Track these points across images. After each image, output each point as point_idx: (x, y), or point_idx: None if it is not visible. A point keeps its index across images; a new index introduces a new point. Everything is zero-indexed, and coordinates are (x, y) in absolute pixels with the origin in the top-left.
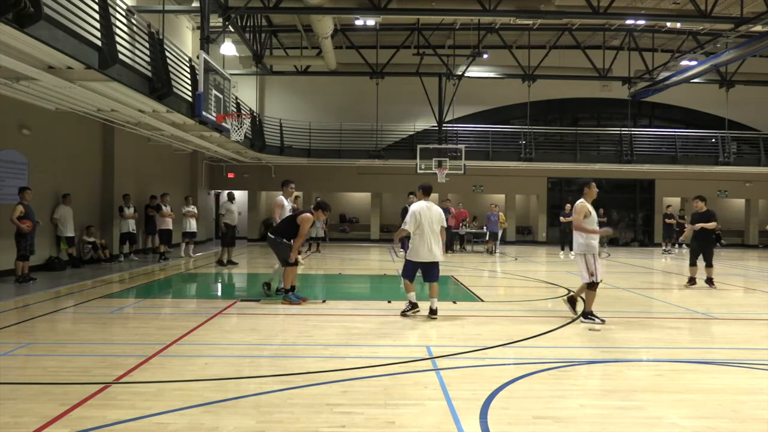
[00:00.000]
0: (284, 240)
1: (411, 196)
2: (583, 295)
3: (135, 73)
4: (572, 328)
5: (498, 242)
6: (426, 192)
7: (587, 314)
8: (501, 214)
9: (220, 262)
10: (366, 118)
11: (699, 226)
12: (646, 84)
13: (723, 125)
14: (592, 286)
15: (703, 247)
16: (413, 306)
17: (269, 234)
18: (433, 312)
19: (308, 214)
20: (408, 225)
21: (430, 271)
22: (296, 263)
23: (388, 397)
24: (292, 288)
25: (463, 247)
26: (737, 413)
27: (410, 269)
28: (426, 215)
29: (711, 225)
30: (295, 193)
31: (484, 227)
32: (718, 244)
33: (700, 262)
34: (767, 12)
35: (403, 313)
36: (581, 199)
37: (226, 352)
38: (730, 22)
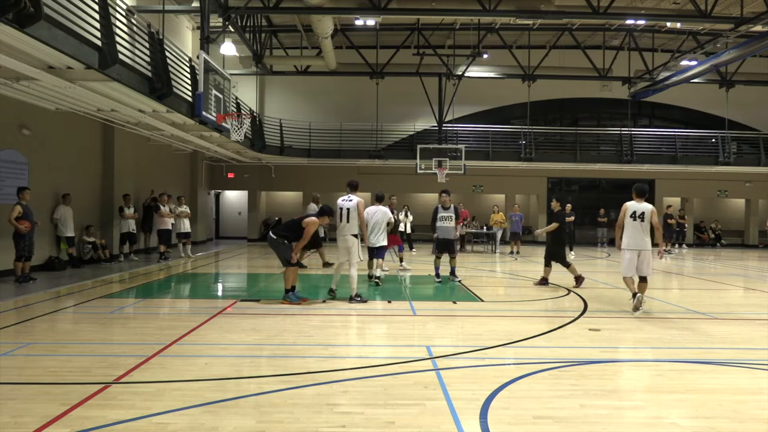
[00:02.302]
0: (285, 241)
1: (443, 194)
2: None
3: (135, 73)
4: (572, 328)
5: (498, 242)
6: (378, 199)
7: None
8: (501, 213)
9: (326, 264)
10: (366, 118)
11: (543, 230)
12: (646, 84)
13: (723, 125)
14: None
15: (551, 248)
16: (372, 277)
17: (271, 234)
18: (377, 278)
19: (314, 218)
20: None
21: (379, 251)
22: (297, 264)
23: (388, 397)
24: (293, 288)
25: (463, 247)
26: (737, 413)
27: (369, 253)
28: (374, 215)
29: (551, 227)
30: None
31: (484, 227)
32: (718, 244)
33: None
34: (767, 12)
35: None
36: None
37: (226, 352)
38: (730, 22)
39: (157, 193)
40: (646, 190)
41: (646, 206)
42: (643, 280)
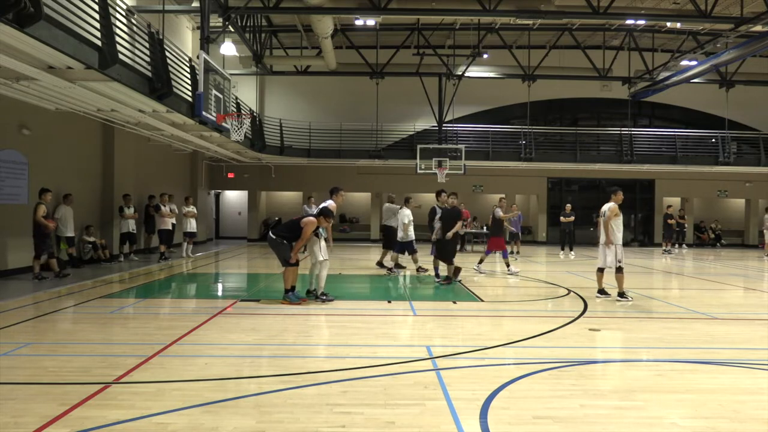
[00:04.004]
0: (284, 241)
1: (443, 194)
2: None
3: (135, 73)
4: (572, 328)
5: None
6: (405, 202)
7: (622, 294)
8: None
9: (398, 266)
10: (366, 118)
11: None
12: (646, 84)
13: (723, 125)
14: (620, 270)
15: (447, 245)
16: (400, 267)
17: (270, 234)
18: (389, 269)
19: (313, 219)
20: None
21: (405, 246)
22: (297, 264)
23: (388, 397)
24: (292, 288)
25: (463, 247)
26: (737, 413)
27: (400, 247)
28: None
29: (458, 227)
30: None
31: (484, 227)
32: (718, 244)
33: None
34: (767, 12)
35: (389, 270)
36: (613, 203)
37: (226, 352)
38: (730, 22)
39: (158, 196)
40: (612, 191)
41: (605, 206)
42: (618, 270)
